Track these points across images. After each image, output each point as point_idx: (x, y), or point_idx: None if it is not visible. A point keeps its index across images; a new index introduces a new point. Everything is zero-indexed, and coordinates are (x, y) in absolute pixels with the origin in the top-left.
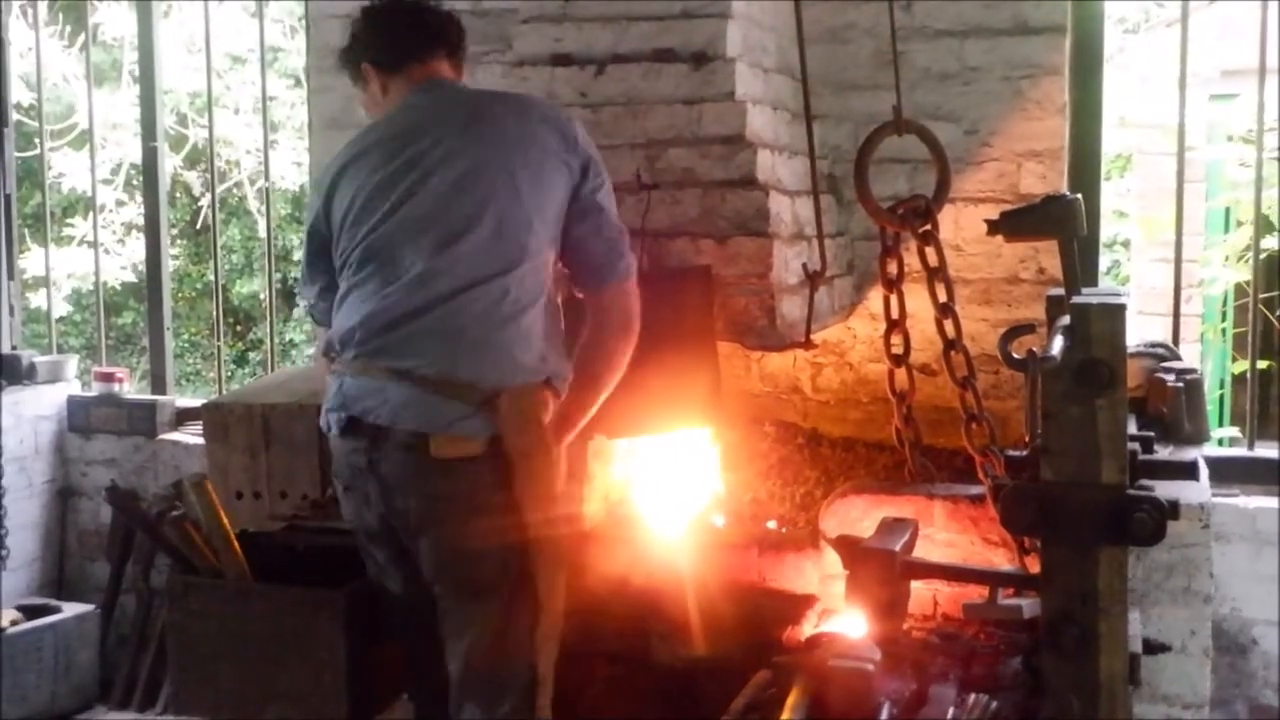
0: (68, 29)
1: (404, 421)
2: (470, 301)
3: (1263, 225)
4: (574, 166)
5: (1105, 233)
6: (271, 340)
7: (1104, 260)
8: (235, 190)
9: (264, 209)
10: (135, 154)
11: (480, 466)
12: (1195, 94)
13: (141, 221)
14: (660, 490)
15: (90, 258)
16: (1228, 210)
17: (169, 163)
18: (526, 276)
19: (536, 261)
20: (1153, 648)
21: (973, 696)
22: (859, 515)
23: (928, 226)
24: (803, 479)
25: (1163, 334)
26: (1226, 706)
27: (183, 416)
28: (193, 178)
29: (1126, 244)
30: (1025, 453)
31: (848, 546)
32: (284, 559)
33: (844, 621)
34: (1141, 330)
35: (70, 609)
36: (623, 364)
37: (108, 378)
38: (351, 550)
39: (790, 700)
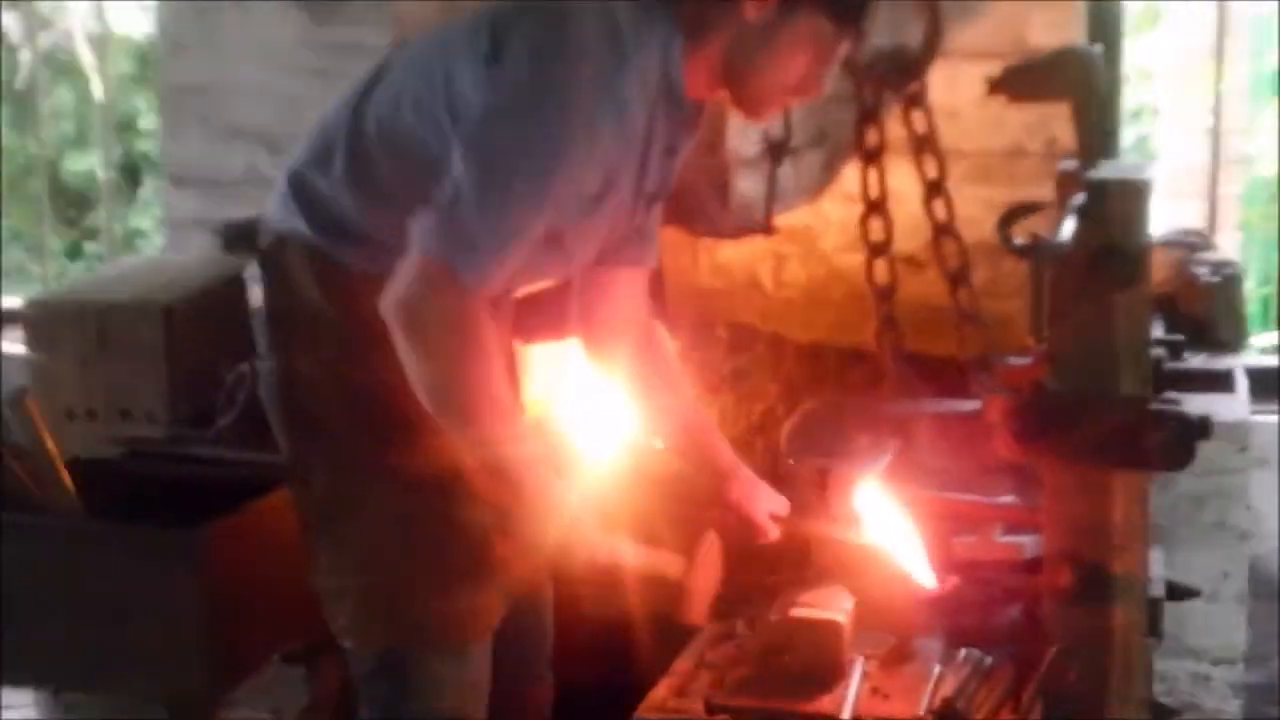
0: None
1: None
2: None
3: None
4: None
5: (1130, 100)
6: (111, 228)
7: (1129, 134)
8: (64, 43)
9: (101, 66)
10: None
11: None
12: None
13: None
14: (588, 407)
15: None
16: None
17: None
18: None
19: None
20: (1178, 593)
21: (963, 652)
22: (829, 436)
23: (915, 86)
24: (762, 394)
25: (1197, 220)
26: (1264, 663)
27: (2, 320)
28: (11, 23)
29: (1156, 113)
30: (1029, 360)
31: (814, 474)
32: (127, 492)
33: (809, 564)
34: (1171, 215)
35: None
36: (419, 387)
37: None
38: (212, 482)
39: (746, 658)
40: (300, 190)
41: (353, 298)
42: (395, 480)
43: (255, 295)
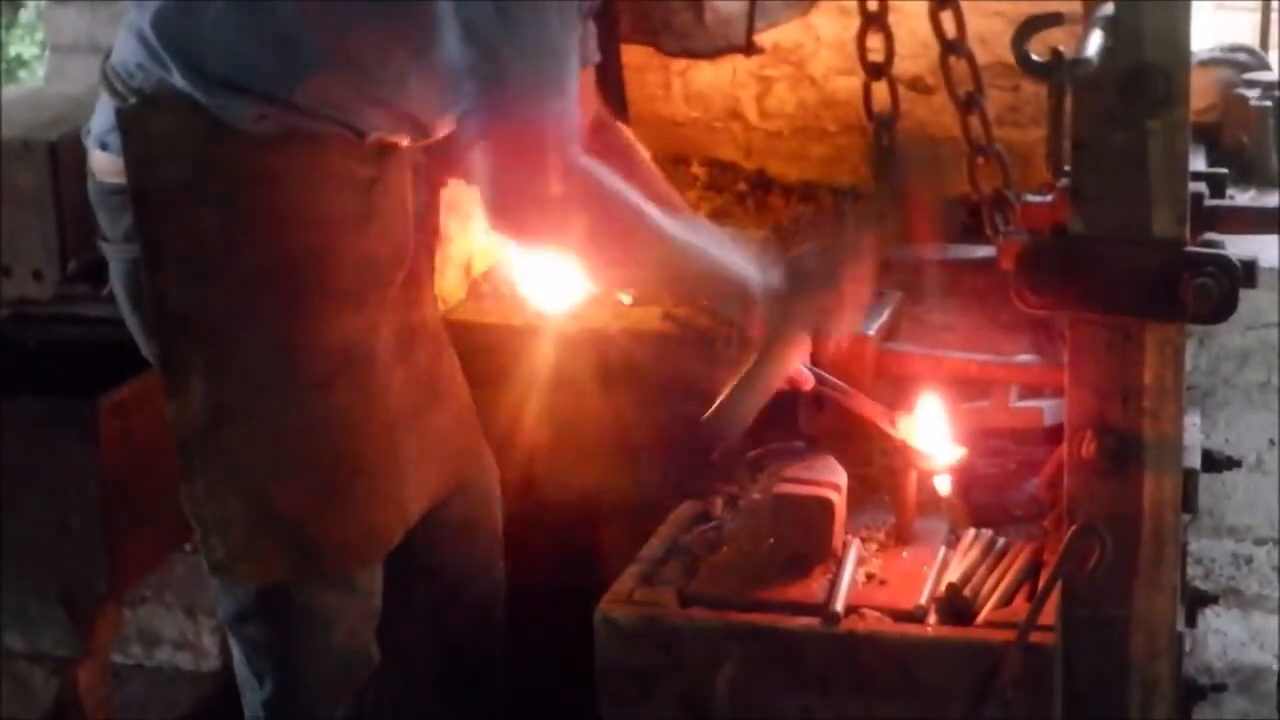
0: None
1: None
2: None
3: None
4: None
5: None
6: None
7: None
8: None
9: None
10: None
11: None
12: None
13: None
14: (544, 258)
15: None
16: None
17: None
18: None
19: None
20: (1217, 463)
21: (972, 532)
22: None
23: None
24: (745, 240)
25: (1248, 35)
26: None
27: None
28: None
29: None
30: (1050, 197)
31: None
32: (11, 360)
33: (799, 436)
34: (1218, 29)
35: None
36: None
37: None
38: (109, 347)
39: (724, 541)
40: (170, 32)
41: (243, 166)
42: (291, 383)
43: (99, 163)
